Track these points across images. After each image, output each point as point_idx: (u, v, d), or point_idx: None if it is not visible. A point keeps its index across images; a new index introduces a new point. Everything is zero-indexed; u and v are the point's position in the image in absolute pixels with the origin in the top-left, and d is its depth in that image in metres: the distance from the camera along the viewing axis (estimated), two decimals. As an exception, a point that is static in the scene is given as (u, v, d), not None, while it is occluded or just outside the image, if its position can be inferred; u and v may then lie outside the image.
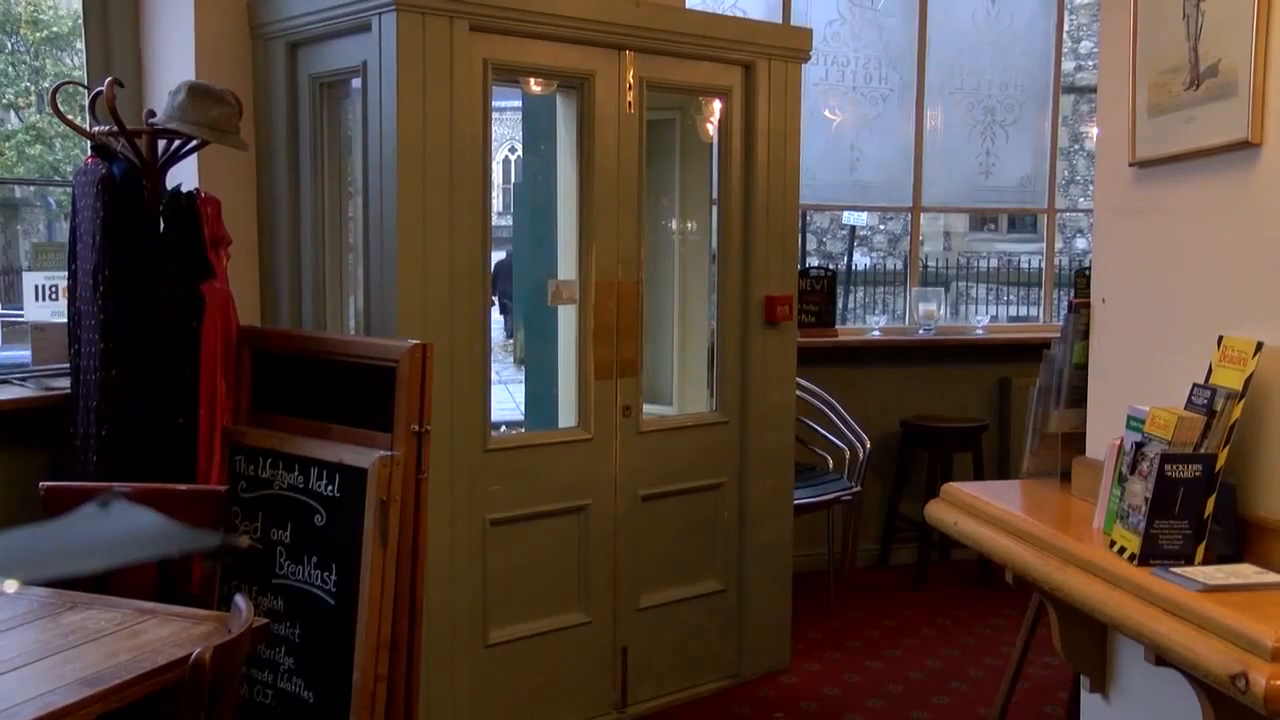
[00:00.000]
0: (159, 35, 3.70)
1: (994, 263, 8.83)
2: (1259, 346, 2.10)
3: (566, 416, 3.85)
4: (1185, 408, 2.17)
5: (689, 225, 4.33)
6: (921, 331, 5.85)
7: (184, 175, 3.36)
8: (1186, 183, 2.39)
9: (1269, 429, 2.11)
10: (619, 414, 3.72)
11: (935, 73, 5.89)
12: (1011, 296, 7.91)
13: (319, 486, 2.96)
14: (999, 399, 5.84)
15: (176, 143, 3.19)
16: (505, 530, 3.49)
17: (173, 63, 3.62)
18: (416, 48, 3.21)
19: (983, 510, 2.58)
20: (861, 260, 7.51)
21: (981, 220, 8.35)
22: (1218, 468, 2.10)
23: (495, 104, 3.58)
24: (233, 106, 3.19)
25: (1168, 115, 2.43)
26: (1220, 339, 2.18)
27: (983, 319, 6.89)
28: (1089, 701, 2.61)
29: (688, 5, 4.51)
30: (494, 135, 3.68)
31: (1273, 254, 2.14)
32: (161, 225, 3.14)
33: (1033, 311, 6.54)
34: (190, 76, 3.44)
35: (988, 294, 7.98)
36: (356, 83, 3.41)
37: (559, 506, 3.63)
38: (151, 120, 3.20)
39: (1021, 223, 8.04)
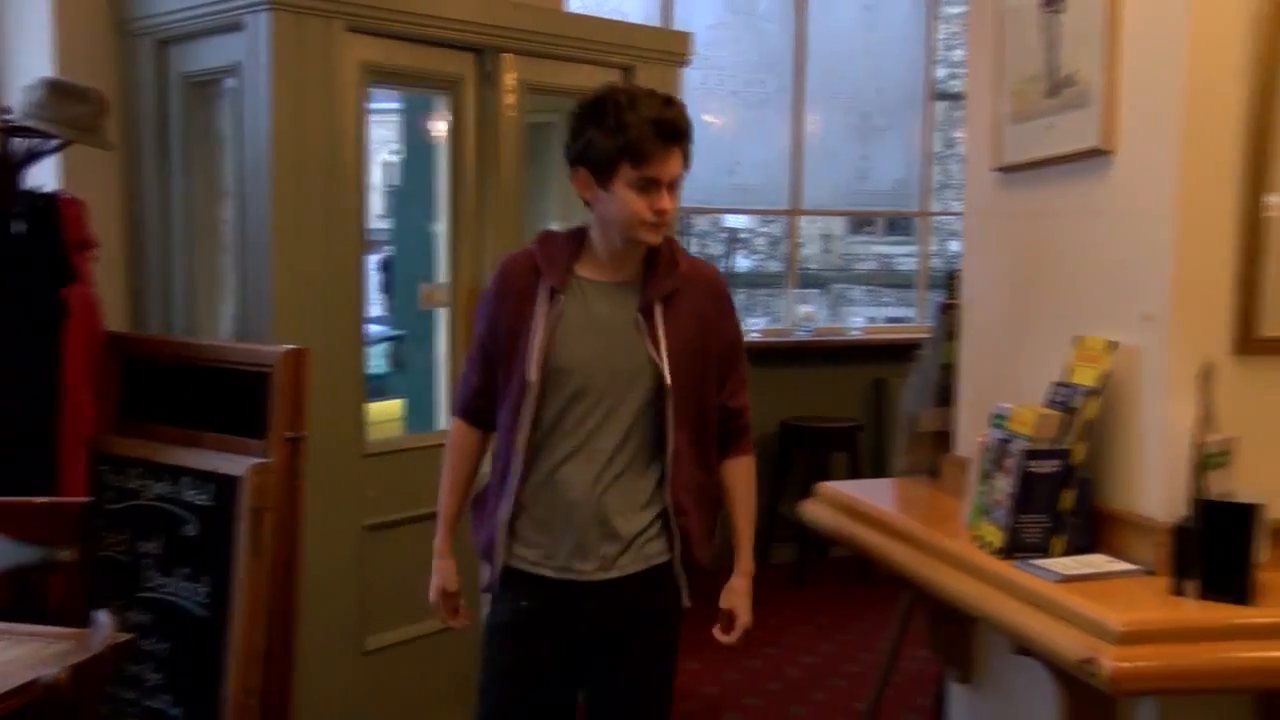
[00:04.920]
0: (14, 29, 3.57)
1: (872, 265, 8.99)
2: (1112, 345, 2.19)
3: (444, 419, 3.82)
4: (1045, 406, 2.25)
5: (569, 227, 4.33)
6: (800, 333, 5.95)
7: (46, 176, 3.25)
8: (1047, 187, 2.48)
9: (1122, 425, 2.20)
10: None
11: (813, 77, 5.99)
12: (889, 298, 8.06)
13: (190, 496, 2.89)
14: (875, 399, 5.96)
15: (36, 141, 3.08)
16: (383, 535, 3.45)
17: (30, 58, 3.49)
18: (291, 48, 3.15)
19: (856, 508, 2.64)
20: (743, 263, 7.61)
21: (861, 223, 8.49)
22: (1075, 463, 2.18)
23: (376, 106, 3.54)
24: (95, 104, 3.09)
25: (1030, 122, 2.51)
26: (1076, 339, 2.27)
27: (860, 320, 7.03)
28: (956, 693, 2.68)
29: (570, 8, 4.52)
30: (374, 137, 3.64)
31: (1124, 257, 2.23)
32: (22, 227, 3.03)
33: (910, 313, 6.68)
34: (49, 73, 3.32)
35: (866, 296, 8.13)
36: (230, 82, 3.34)
37: (435, 510, 3.60)
38: (6, 116, 3.08)
39: (899, 226, 8.21)
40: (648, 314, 2.25)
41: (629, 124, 2.14)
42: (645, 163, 2.15)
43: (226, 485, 2.81)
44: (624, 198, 2.17)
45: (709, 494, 2.35)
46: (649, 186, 2.16)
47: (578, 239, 2.30)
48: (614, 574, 2.25)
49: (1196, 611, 1.91)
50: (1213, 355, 2.05)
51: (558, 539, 2.25)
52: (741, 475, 2.39)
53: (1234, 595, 1.92)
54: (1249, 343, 2.10)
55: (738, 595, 2.35)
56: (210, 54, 3.37)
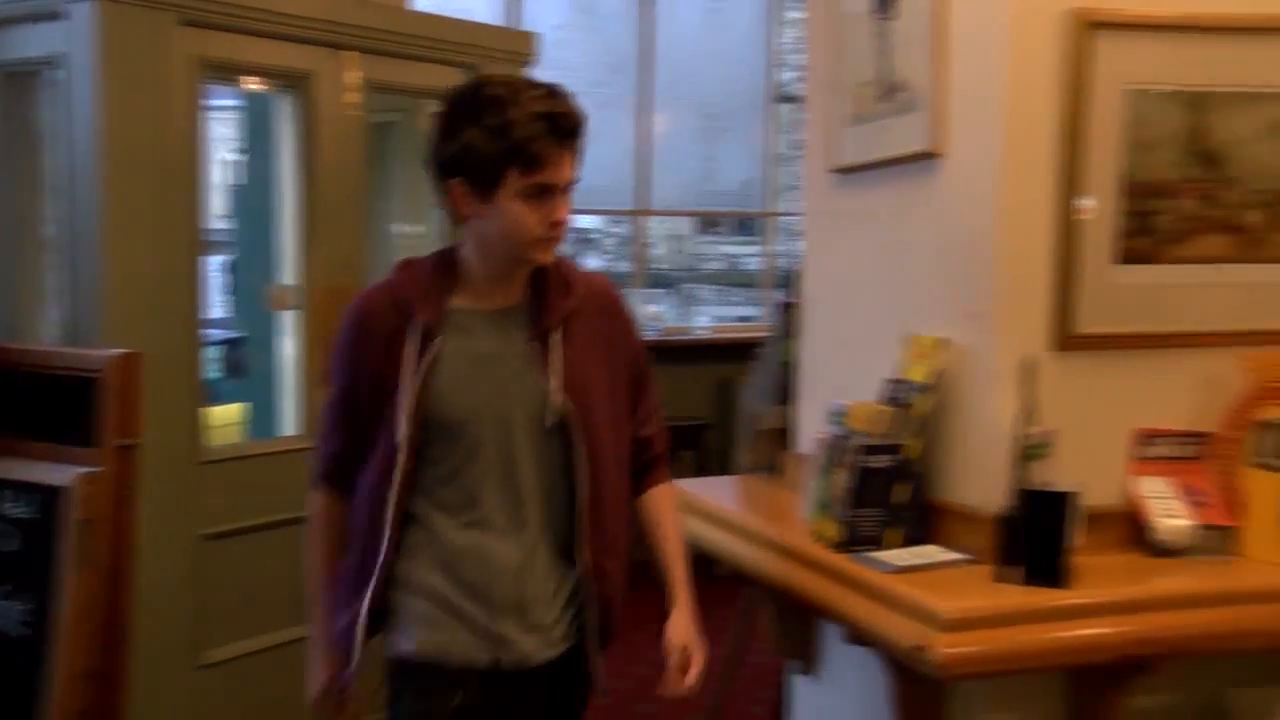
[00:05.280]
0: None
1: (721, 265, 9.13)
2: (943, 343, 2.26)
3: (288, 425, 3.74)
4: (881, 402, 2.32)
5: (413, 229, 4.29)
6: (648, 333, 6.00)
7: None
8: (881, 189, 2.55)
9: (952, 420, 2.27)
10: (343, 421, 3.64)
11: (660, 79, 6.05)
12: (737, 298, 8.19)
13: (12, 510, 2.76)
14: (722, 398, 6.04)
15: None
16: (222, 545, 3.36)
17: None
18: (118, 41, 3.04)
19: (699, 506, 2.67)
20: (593, 263, 7.66)
21: (709, 223, 8.60)
22: (909, 457, 2.25)
23: (217, 102, 3.44)
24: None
25: (865, 125, 2.58)
26: (909, 336, 2.34)
27: (706, 320, 7.12)
28: (799, 685, 2.74)
29: (414, 6, 4.47)
30: (213, 135, 3.54)
31: (953, 257, 2.31)
32: None
33: (758, 312, 6.80)
34: None
35: (715, 295, 8.25)
36: (52, 73, 3.20)
37: (281, 517, 3.51)
38: None
39: (747, 226, 8.34)
40: (542, 343, 1.95)
41: (515, 122, 1.82)
42: (537, 167, 1.84)
43: (51, 497, 2.69)
44: (512, 211, 1.85)
45: (628, 546, 2.10)
46: (542, 195, 1.86)
47: (447, 264, 1.97)
48: (530, 661, 1.97)
49: (1019, 596, 1.99)
50: (1033, 351, 2.14)
51: (459, 625, 1.94)
52: (666, 505, 2.16)
53: (1052, 579, 2.01)
54: (1067, 339, 2.19)
55: (687, 632, 2.10)
56: (28, 43, 3.22)
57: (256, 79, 3.63)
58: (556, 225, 1.90)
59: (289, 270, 3.71)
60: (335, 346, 2.03)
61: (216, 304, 4.84)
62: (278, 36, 3.44)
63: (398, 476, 1.93)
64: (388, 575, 1.97)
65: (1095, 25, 2.14)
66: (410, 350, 1.91)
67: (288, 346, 3.78)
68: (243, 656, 3.44)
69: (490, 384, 1.93)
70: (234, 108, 4.50)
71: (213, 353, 4.74)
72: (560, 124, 1.87)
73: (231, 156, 4.75)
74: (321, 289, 3.59)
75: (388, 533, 1.94)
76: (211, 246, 3.76)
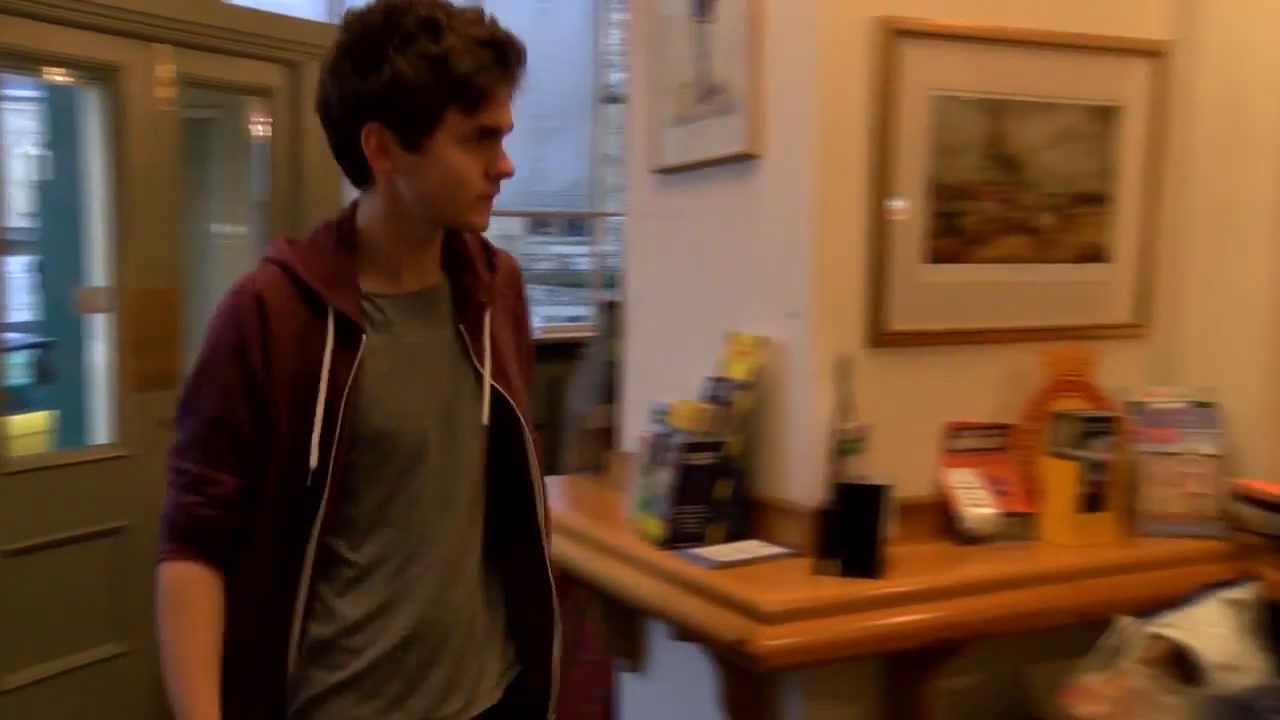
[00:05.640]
0: None
1: (552, 265, 9.14)
2: (762, 341, 2.31)
3: (99, 433, 3.59)
4: (702, 400, 2.35)
5: (234, 229, 4.16)
6: (480, 334, 5.96)
7: None
8: (702, 190, 2.58)
9: (772, 416, 2.32)
10: (157, 428, 3.51)
11: (487, 78, 6.02)
12: (569, 298, 8.21)
13: None
14: (552, 398, 6.03)
15: None
16: (25, 561, 3.19)
17: None
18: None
19: (526, 506, 2.66)
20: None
21: (540, 223, 8.59)
22: (731, 454, 2.29)
23: (15, 93, 3.27)
24: None
25: (685, 126, 2.61)
26: (730, 335, 2.38)
27: (536, 320, 7.12)
28: (627, 682, 2.76)
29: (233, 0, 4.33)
30: (12, 127, 3.37)
31: (771, 257, 2.36)
32: None
33: (589, 312, 6.83)
34: None
35: (547, 296, 8.26)
36: None
37: (91, 530, 3.37)
38: None
39: (578, 226, 8.37)
40: (473, 326, 1.65)
41: (454, 49, 1.48)
42: (482, 105, 1.52)
43: None
44: (451, 160, 1.53)
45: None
46: (482, 141, 1.54)
47: (344, 240, 1.60)
48: (484, 705, 1.70)
49: (836, 588, 2.05)
50: (849, 348, 2.20)
51: (406, 682, 1.61)
52: None
53: (868, 570, 2.07)
54: (880, 337, 2.26)
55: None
56: None
57: (60, 70, 3.47)
58: (499, 178, 1.58)
59: (99, 272, 3.57)
60: (210, 356, 1.57)
61: (20, 307, 4.61)
62: (83, 26, 3.30)
63: (318, 520, 1.53)
64: (308, 639, 1.58)
65: (901, 33, 2.22)
66: (331, 347, 1.54)
67: (99, 351, 3.63)
68: (46, 680, 3.27)
69: (426, 381, 1.61)
70: (35, 99, 4.29)
71: (17, 358, 4.51)
72: (507, 54, 1.53)
73: (34, 151, 4.53)
74: (134, 291, 3.46)
75: (301, 604, 1.55)
76: (12, 246, 3.59)
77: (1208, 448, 2.36)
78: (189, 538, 1.56)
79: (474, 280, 1.67)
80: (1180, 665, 1.98)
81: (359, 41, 1.52)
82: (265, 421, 1.54)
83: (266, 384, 1.53)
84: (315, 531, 1.54)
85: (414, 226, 1.60)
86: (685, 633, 2.14)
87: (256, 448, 1.55)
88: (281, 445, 1.53)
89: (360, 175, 1.59)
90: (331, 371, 1.53)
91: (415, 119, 1.51)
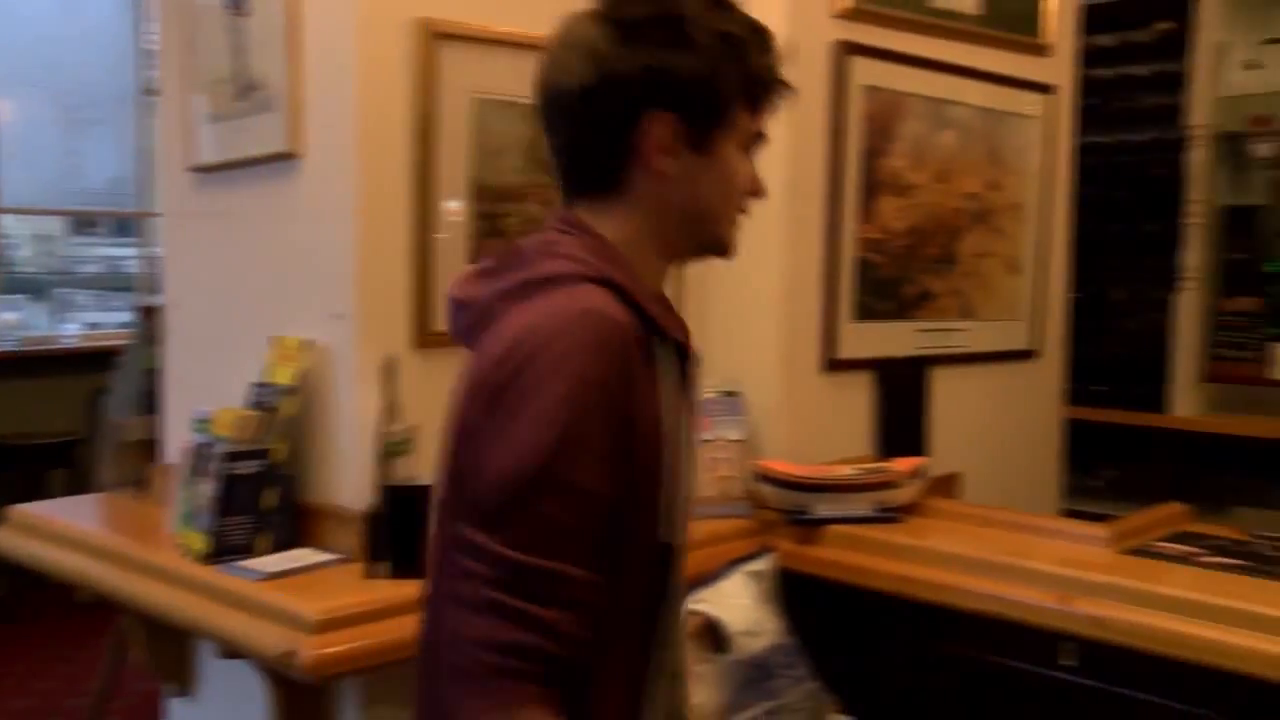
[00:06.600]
0: None
1: (100, 267, 8.48)
2: (307, 344, 2.26)
3: None
4: (246, 407, 2.26)
5: None
6: (5, 344, 5.43)
7: None
8: (242, 189, 2.49)
9: (319, 421, 2.28)
10: None
11: (3, 62, 5.47)
12: (119, 302, 7.67)
13: None
14: (95, 410, 5.61)
15: None
16: None
17: None
18: None
19: (50, 531, 2.45)
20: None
21: (84, 223, 7.93)
22: (277, 461, 2.22)
23: None
24: None
25: (223, 124, 2.51)
26: (273, 339, 2.31)
27: (74, 327, 6.58)
28: (176, 708, 2.62)
29: None
30: None
31: (315, 258, 2.31)
32: None
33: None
34: None
35: (95, 300, 7.66)
36: None
37: None
38: None
39: (127, 226, 7.80)
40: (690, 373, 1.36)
41: (747, 42, 1.28)
42: (764, 106, 1.32)
43: None
44: (735, 167, 1.31)
45: None
46: (749, 149, 1.34)
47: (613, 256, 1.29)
48: None
49: (387, 590, 2.03)
50: (395, 350, 2.19)
51: None
52: None
53: (419, 571, 2.07)
54: (425, 337, 2.27)
55: None
56: None
57: None
58: (758, 195, 1.36)
59: None
60: (578, 409, 1.15)
61: None
62: None
63: (667, 604, 1.27)
64: None
65: (440, 36, 2.24)
66: (669, 395, 1.24)
67: None
68: None
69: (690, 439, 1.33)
70: None
71: None
72: (777, 51, 1.33)
73: None
74: None
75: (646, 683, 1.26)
76: None
77: (735, 434, 2.57)
78: (550, 672, 1.13)
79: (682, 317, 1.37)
80: (712, 636, 2.13)
81: (660, 12, 1.26)
82: (641, 491, 1.22)
83: (640, 447, 1.21)
84: (665, 617, 1.27)
85: (673, 246, 1.33)
86: (232, 649, 2.06)
87: (624, 528, 1.21)
88: (644, 514, 1.23)
89: (598, 179, 1.31)
90: (674, 424, 1.25)
91: (714, 112, 1.27)
